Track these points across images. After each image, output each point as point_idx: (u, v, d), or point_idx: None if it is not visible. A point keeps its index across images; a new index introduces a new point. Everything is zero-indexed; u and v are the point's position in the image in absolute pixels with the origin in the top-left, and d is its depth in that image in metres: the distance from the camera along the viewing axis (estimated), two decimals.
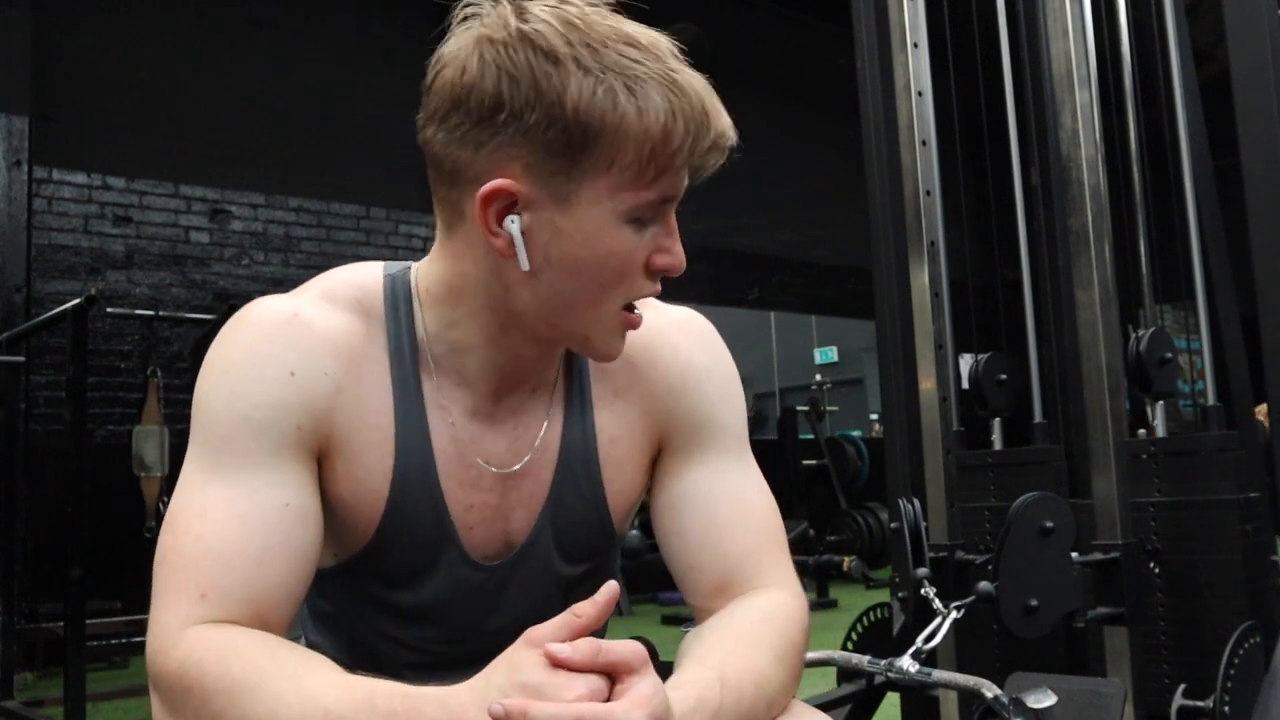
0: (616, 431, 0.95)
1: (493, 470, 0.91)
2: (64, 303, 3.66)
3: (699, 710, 0.75)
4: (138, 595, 4.94)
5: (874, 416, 10.01)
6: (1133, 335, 1.94)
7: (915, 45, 2.22)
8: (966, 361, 2.22)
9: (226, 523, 0.80)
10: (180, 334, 5.60)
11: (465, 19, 0.82)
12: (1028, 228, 2.19)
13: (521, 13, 0.79)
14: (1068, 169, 1.93)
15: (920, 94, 2.21)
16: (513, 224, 0.80)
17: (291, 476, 0.83)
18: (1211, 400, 1.87)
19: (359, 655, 0.95)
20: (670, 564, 0.96)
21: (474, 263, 0.85)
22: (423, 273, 0.90)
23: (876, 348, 2.29)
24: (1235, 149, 1.72)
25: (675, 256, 0.85)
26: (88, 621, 3.29)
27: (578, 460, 0.94)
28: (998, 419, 2.21)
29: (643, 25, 0.83)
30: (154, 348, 5.58)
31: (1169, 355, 1.94)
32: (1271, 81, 1.67)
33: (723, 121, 0.83)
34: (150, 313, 5.31)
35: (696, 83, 0.81)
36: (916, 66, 2.21)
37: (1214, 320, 1.93)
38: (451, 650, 0.94)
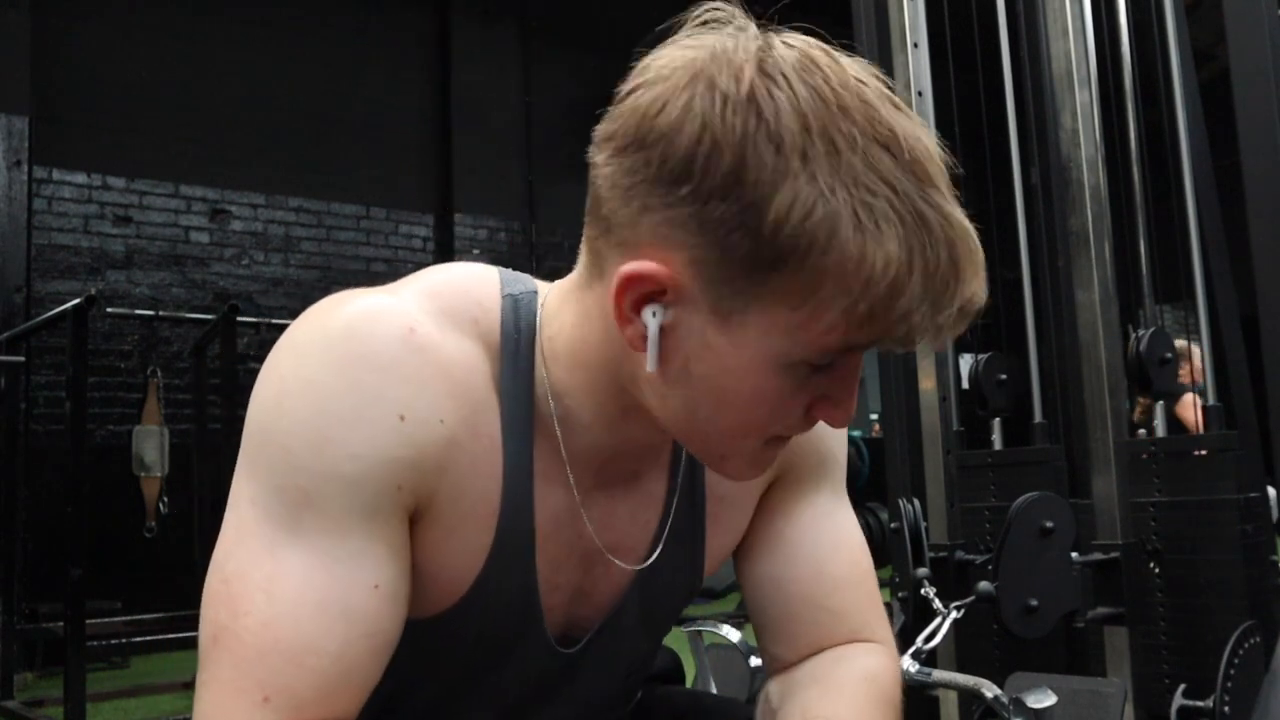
0: (727, 490, 0.81)
1: (596, 551, 0.77)
2: (64, 303, 3.66)
3: None
4: (138, 595, 4.94)
5: (874, 416, 10.02)
6: (1133, 335, 1.94)
7: (915, 45, 2.22)
8: (966, 361, 2.22)
9: (301, 606, 0.64)
10: (180, 334, 5.60)
11: (704, 22, 0.65)
12: (1028, 228, 2.19)
13: (765, 61, 0.61)
14: (1068, 169, 1.93)
15: (920, 94, 2.21)
16: (652, 318, 0.63)
17: (384, 548, 0.67)
18: (1211, 400, 1.87)
19: None
20: (760, 607, 0.84)
21: (604, 332, 0.69)
22: (550, 311, 0.73)
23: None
24: (1235, 149, 1.72)
25: (843, 411, 0.68)
26: (88, 621, 3.29)
27: (684, 529, 0.80)
28: (998, 419, 2.21)
29: (916, 120, 0.62)
30: (154, 348, 5.58)
31: (1169, 355, 1.94)
32: (1271, 81, 1.67)
33: (976, 284, 0.63)
34: (150, 313, 5.31)
35: (956, 226, 0.61)
36: (916, 66, 2.21)
37: (1214, 320, 1.93)
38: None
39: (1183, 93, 1.96)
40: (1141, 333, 1.94)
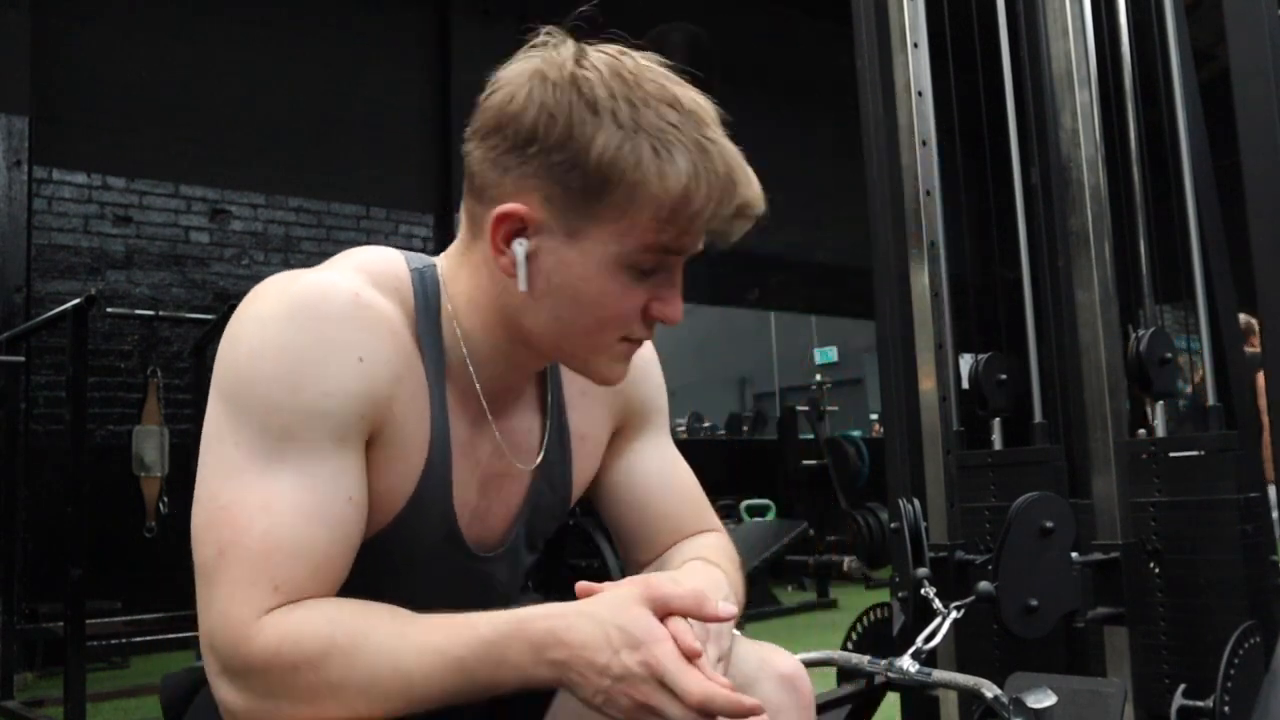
0: (586, 429, 1.02)
1: (492, 469, 0.97)
2: (64, 303, 3.66)
3: (719, 587, 0.94)
4: (138, 595, 4.94)
5: (874, 416, 10.01)
6: (1133, 335, 1.94)
7: (915, 45, 2.22)
8: (966, 361, 2.22)
9: (295, 516, 0.79)
10: (180, 334, 5.60)
11: (533, 46, 0.89)
12: (1028, 228, 2.19)
13: (581, 57, 0.87)
14: (1068, 169, 1.93)
15: (920, 94, 2.21)
16: (519, 246, 0.85)
17: (352, 466, 0.83)
18: (1211, 400, 1.87)
19: None
20: (623, 525, 1.07)
21: (489, 278, 0.90)
22: (449, 276, 0.93)
23: (876, 348, 2.29)
24: (1235, 149, 1.72)
25: (671, 309, 0.89)
26: (88, 621, 3.29)
27: (555, 460, 1.00)
28: (998, 419, 2.21)
29: (694, 89, 0.89)
30: (154, 348, 5.58)
31: (1169, 355, 1.94)
32: (1271, 81, 1.67)
33: (750, 192, 0.86)
34: (150, 313, 5.31)
35: (728, 152, 0.85)
36: (916, 66, 2.21)
37: (1214, 320, 1.93)
38: None
39: (1183, 93, 1.96)
40: (1141, 333, 1.94)
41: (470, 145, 0.90)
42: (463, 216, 0.93)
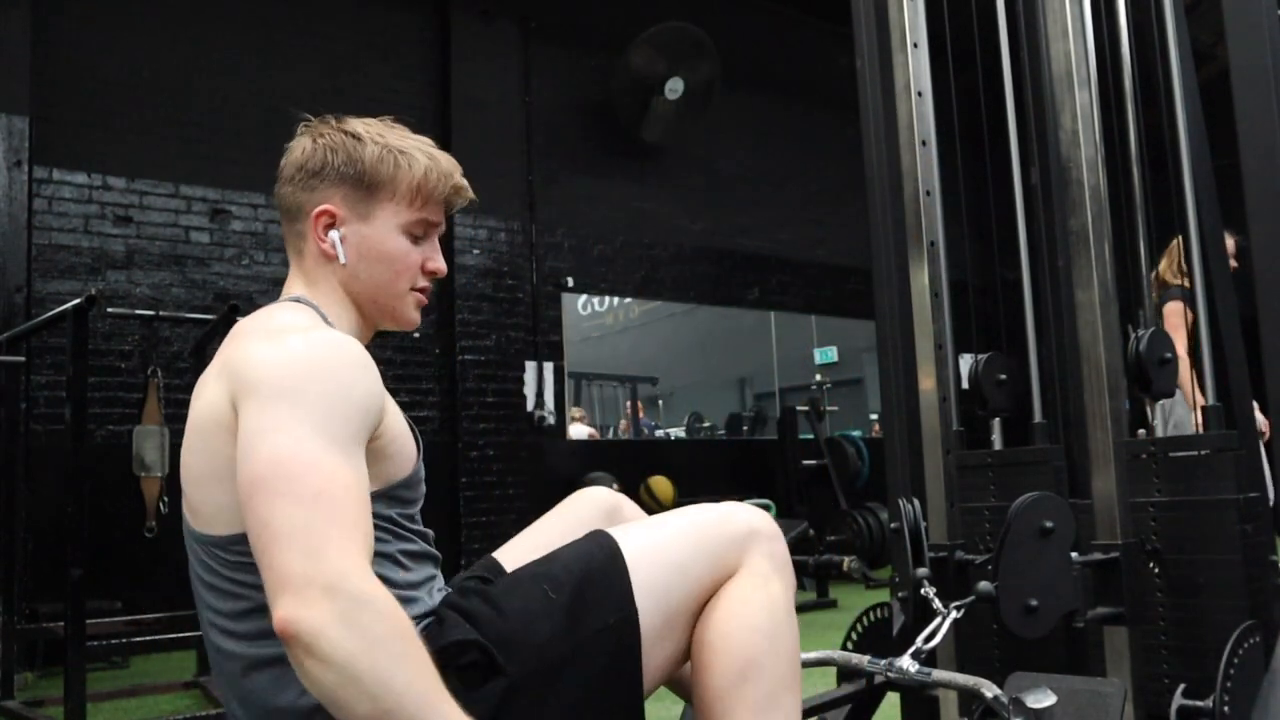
0: None
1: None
2: (64, 303, 3.66)
3: None
4: (138, 595, 4.94)
5: (874, 416, 10.01)
6: (1133, 335, 1.94)
7: (915, 45, 2.22)
8: (966, 361, 2.22)
9: (354, 487, 1.02)
10: (180, 334, 5.60)
11: (306, 126, 1.33)
12: (1028, 228, 2.19)
13: (341, 121, 1.32)
14: (1068, 169, 1.93)
15: (920, 94, 2.21)
16: (334, 234, 1.28)
17: (364, 457, 1.09)
18: (1211, 400, 1.87)
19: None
20: None
21: (321, 274, 1.29)
22: (314, 296, 1.28)
23: (876, 348, 2.29)
24: (1235, 149, 1.72)
25: (437, 263, 1.34)
26: (88, 621, 3.29)
27: None
28: (998, 419, 2.21)
29: (414, 135, 1.35)
30: (154, 348, 5.58)
31: (1169, 355, 1.94)
32: (1271, 81, 1.67)
33: (461, 179, 1.36)
34: (150, 313, 5.31)
35: (445, 156, 1.34)
36: (916, 66, 2.21)
37: (1214, 320, 1.93)
38: (427, 536, 1.30)
39: (1183, 93, 1.96)
40: (1141, 333, 1.94)
41: (284, 190, 1.31)
42: (290, 251, 1.32)
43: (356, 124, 1.30)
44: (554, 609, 1.18)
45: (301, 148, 1.30)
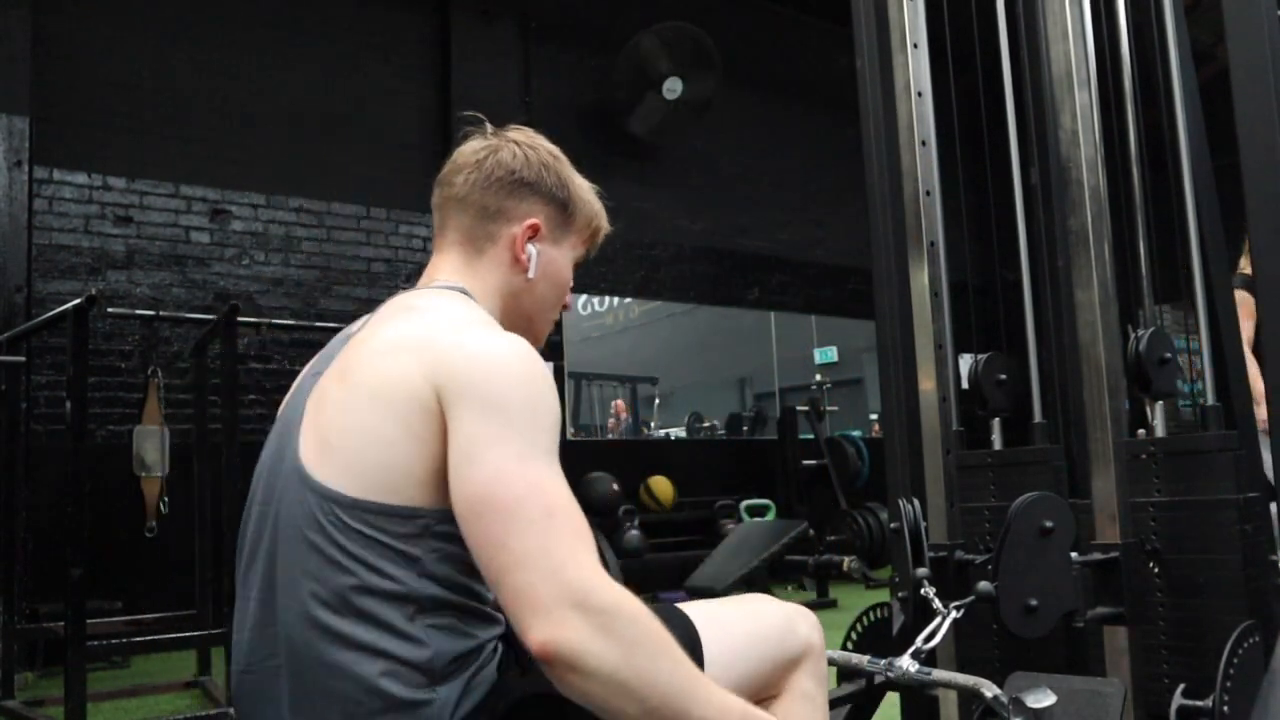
0: None
1: None
2: (65, 303, 3.66)
3: None
4: (138, 595, 4.94)
5: (874, 416, 10.01)
6: (1132, 335, 1.94)
7: (915, 45, 2.22)
8: (966, 361, 2.22)
9: (572, 499, 1.03)
10: (180, 334, 5.60)
11: (469, 135, 1.34)
12: (1028, 228, 2.19)
13: (527, 134, 1.36)
14: (1068, 169, 1.93)
15: (920, 94, 2.21)
16: (532, 248, 1.31)
17: None
18: (1211, 400, 1.87)
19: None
20: None
21: (495, 276, 1.30)
22: (474, 291, 1.28)
23: (876, 348, 2.29)
24: (1235, 149, 1.72)
25: (569, 298, 1.42)
26: (88, 621, 3.29)
27: None
28: (998, 419, 2.21)
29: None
30: (154, 348, 5.58)
31: (1169, 355, 1.94)
32: (1271, 81, 1.67)
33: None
34: (151, 313, 5.31)
35: (601, 201, 1.41)
36: (916, 66, 2.21)
37: (1214, 320, 1.93)
38: None
39: (1182, 93, 1.96)
40: (1141, 333, 1.94)
41: (477, 183, 1.29)
42: (458, 243, 1.31)
43: (549, 144, 1.36)
44: None
45: (511, 152, 1.30)
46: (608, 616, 0.95)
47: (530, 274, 1.30)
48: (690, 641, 1.21)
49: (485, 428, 1.03)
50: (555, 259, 1.33)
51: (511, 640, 1.11)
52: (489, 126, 1.34)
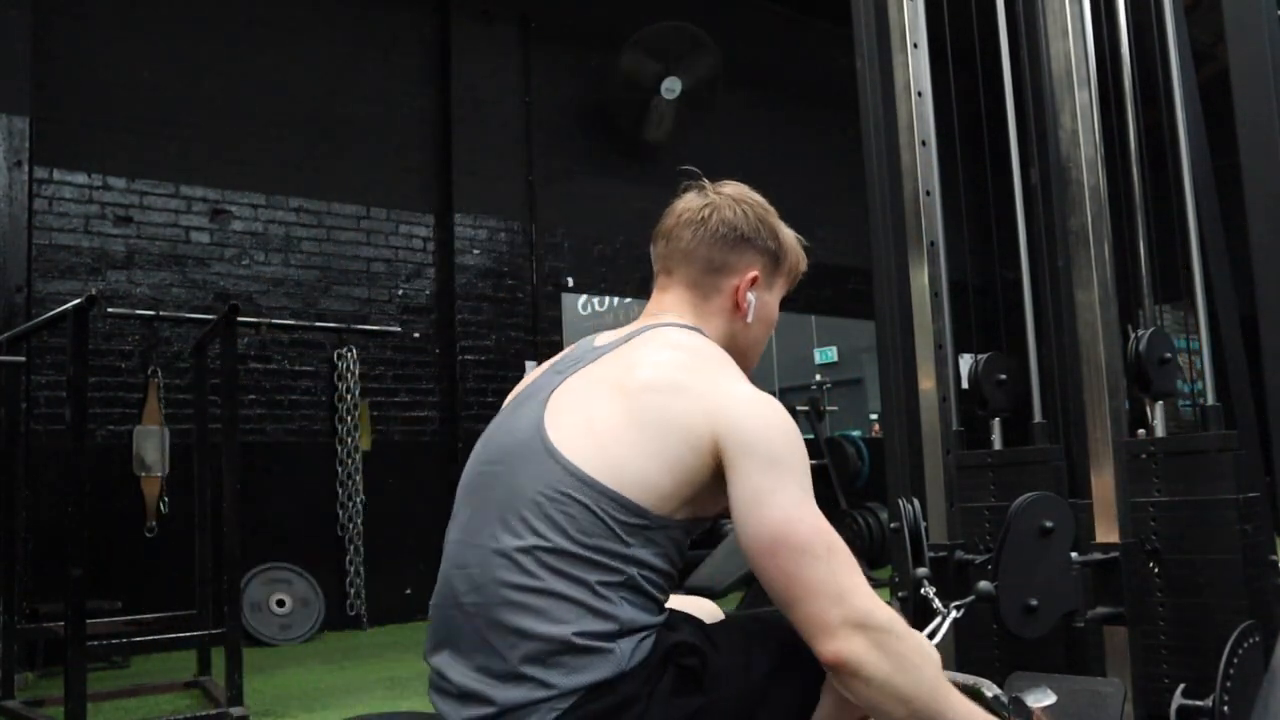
0: None
1: None
2: (65, 303, 3.66)
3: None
4: (138, 595, 4.94)
5: (874, 416, 10.01)
6: (1132, 335, 1.94)
7: (915, 45, 2.22)
8: (966, 361, 2.22)
9: (840, 538, 1.24)
10: (181, 334, 5.60)
11: (689, 189, 1.51)
12: (1028, 228, 2.19)
13: (736, 188, 1.51)
14: (1067, 169, 1.93)
15: (920, 94, 2.21)
16: (752, 296, 1.47)
17: None
18: (1211, 400, 1.87)
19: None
20: None
21: (718, 320, 1.47)
22: (706, 332, 1.45)
23: (876, 348, 2.29)
24: (1235, 149, 1.72)
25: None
26: (88, 621, 3.29)
27: None
28: (998, 419, 2.21)
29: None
30: (154, 348, 5.58)
31: (1169, 355, 1.94)
32: (1271, 81, 1.67)
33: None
34: (151, 313, 5.31)
35: (802, 248, 1.56)
36: (916, 66, 2.21)
37: (1214, 320, 1.93)
38: None
39: (1182, 93, 1.96)
40: (1141, 333, 1.94)
41: (704, 240, 1.45)
42: (685, 288, 1.47)
43: (758, 196, 1.51)
44: (755, 672, 1.33)
45: (731, 209, 1.46)
46: (883, 635, 1.19)
47: (749, 319, 1.47)
48: (809, 679, 1.35)
49: (768, 478, 1.23)
50: (768, 302, 1.50)
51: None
52: (706, 182, 1.50)
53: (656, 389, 1.28)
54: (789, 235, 1.53)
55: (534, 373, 1.47)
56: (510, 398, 1.47)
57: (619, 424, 1.27)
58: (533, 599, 1.21)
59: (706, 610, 1.69)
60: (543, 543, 1.22)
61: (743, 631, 1.40)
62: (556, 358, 1.47)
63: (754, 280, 1.46)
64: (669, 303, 1.47)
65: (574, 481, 1.24)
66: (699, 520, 1.32)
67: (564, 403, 1.32)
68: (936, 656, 1.25)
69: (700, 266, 1.46)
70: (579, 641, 1.19)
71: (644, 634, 1.25)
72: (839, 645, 1.18)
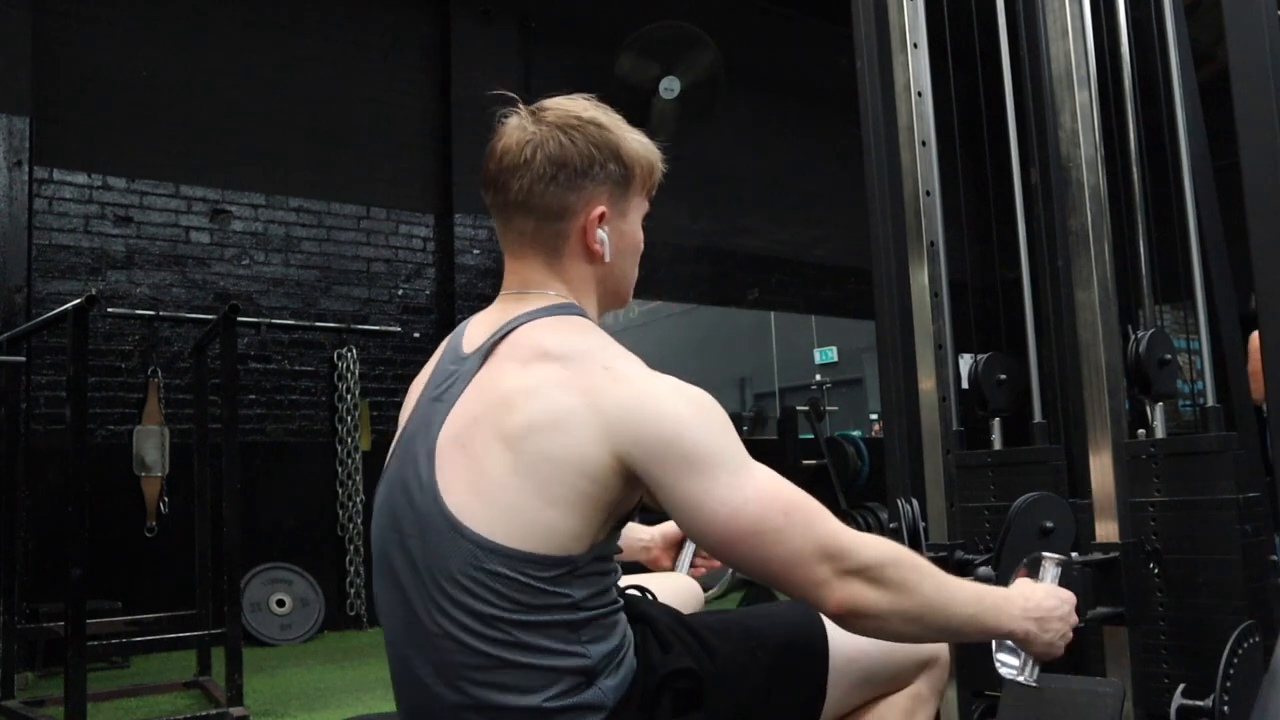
0: None
1: None
2: (65, 303, 3.66)
3: None
4: (138, 595, 4.95)
5: (874, 416, 10.01)
6: (1132, 336, 1.94)
7: (915, 45, 2.22)
8: (966, 361, 2.22)
9: (791, 484, 1.18)
10: (180, 334, 5.60)
11: (508, 118, 1.33)
12: (1027, 228, 2.19)
13: (564, 110, 1.33)
14: (1067, 169, 1.93)
15: (920, 94, 2.21)
16: (603, 233, 1.29)
17: None
18: (1211, 401, 1.87)
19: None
20: None
21: (578, 271, 1.30)
22: (573, 296, 1.30)
23: (876, 348, 2.29)
24: (1235, 149, 1.72)
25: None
26: (88, 621, 3.29)
27: None
28: (997, 419, 2.21)
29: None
30: (154, 348, 5.58)
31: (1169, 356, 1.94)
32: (1271, 81, 1.67)
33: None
34: (151, 313, 5.31)
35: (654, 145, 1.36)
36: (916, 66, 2.21)
37: (1214, 320, 1.93)
38: None
39: (1182, 93, 1.96)
40: (1141, 333, 1.94)
41: (533, 189, 1.26)
42: (533, 249, 1.29)
43: (587, 109, 1.31)
44: (757, 667, 1.29)
45: (556, 142, 1.27)
46: (873, 569, 1.15)
47: (607, 259, 1.29)
48: (815, 632, 1.35)
49: (693, 481, 1.14)
50: (626, 232, 1.32)
51: (634, 623, 1.27)
52: (522, 109, 1.32)
53: (538, 428, 1.15)
54: (633, 144, 1.31)
55: (415, 388, 1.33)
56: (404, 413, 1.32)
57: (510, 478, 1.15)
58: (497, 675, 1.14)
59: (684, 588, 1.70)
60: (481, 619, 1.14)
61: (742, 628, 1.35)
62: (430, 370, 1.32)
63: (601, 216, 1.27)
64: (525, 271, 1.30)
65: (485, 555, 1.14)
66: (623, 522, 1.24)
67: (451, 458, 1.19)
68: (922, 559, 1.23)
69: (538, 216, 1.27)
70: (553, 705, 1.14)
71: (617, 657, 1.20)
72: (839, 597, 1.15)
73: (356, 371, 6.07)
